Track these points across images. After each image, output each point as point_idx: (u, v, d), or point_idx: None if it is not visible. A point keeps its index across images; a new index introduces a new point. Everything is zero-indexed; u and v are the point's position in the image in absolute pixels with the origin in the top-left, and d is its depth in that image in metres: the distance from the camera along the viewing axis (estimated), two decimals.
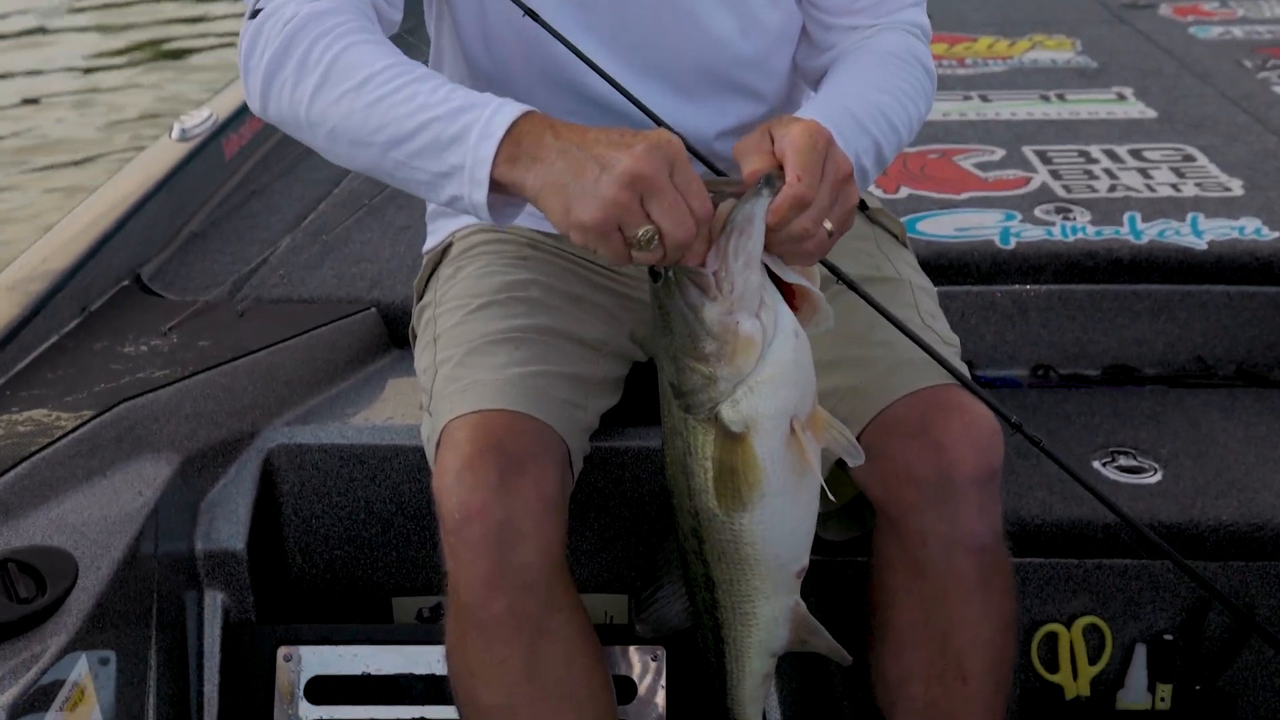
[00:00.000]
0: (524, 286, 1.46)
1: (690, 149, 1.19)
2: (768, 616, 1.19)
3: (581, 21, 1.36)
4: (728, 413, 1.07)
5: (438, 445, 1.32)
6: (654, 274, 1.08)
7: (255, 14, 1.23)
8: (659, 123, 1.23)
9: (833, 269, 1.20)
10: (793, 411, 1.07)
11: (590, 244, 1.05)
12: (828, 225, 1.08)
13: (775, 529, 1.12)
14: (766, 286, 1.06)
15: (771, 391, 1.06)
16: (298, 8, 1.21)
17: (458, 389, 1.35)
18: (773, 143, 1.09)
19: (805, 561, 1.17)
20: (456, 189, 1.12)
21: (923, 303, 1.46)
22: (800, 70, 1.53)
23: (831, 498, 1.15)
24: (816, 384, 1.11)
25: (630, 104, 1.28)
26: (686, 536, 1.18)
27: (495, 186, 1.11)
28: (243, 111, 2.60)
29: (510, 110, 1.10)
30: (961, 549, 1.28)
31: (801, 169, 1.05)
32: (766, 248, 1.06)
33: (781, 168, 1.06)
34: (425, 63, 1.28)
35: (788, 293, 1.09)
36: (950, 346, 1.42)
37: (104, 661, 1.42)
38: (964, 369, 1.34)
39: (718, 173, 1.24)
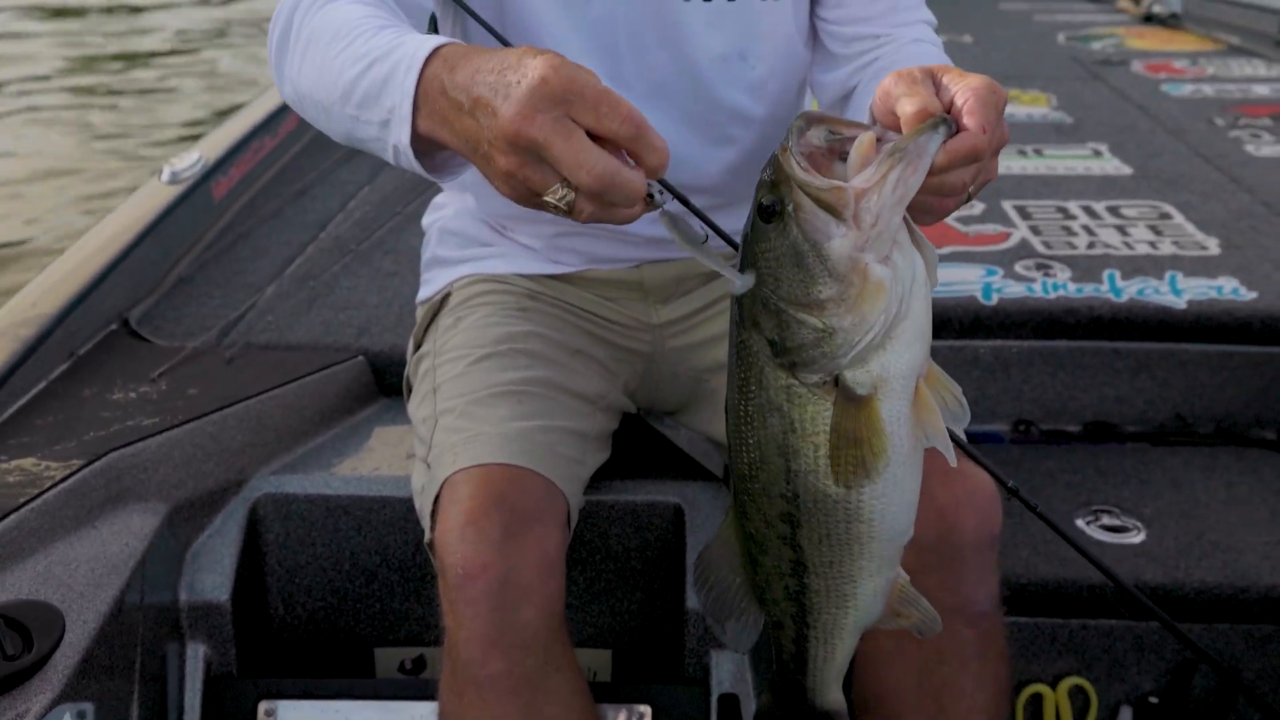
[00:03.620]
0: (525, 339, 1.46)
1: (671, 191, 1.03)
2: (867, 594, 1.06)
3: (589, 46, 1.35)
4: (853, 374, 0.93)
5: (437, 498, 1.31)
6: (766, 212, 0.93)
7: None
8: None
9: None
10: (921, 370, 0.95)
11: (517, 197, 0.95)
12: (970, 189, 1.00)
13: (895, 501, 0.99)
14: (903, 229, 0.92)
15: (905, 347, 0.93)
16: None
17: (460, 440, 1.34)
18: (936, 89, 0.98)
19: (913, 530, 1.05)
20: (394, 138, 1.02)
21: None
22: (817, 85, 1.51)
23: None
24: None
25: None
26: (772, 523, 1.02)
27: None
28: (232, 154, 2.61)
29: (428, 45, 1.00)
30: (961, 616, 1.28)
31: (986, 121, 0.95)
32: None
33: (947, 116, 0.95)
34: None
35: None
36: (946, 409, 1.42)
37: (81, 715, 1.40)
38: (961, 433, 1.34)
39: (696, 213, 1.09)
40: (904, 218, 0.92)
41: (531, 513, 1.26)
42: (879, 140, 0.92)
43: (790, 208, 0.91)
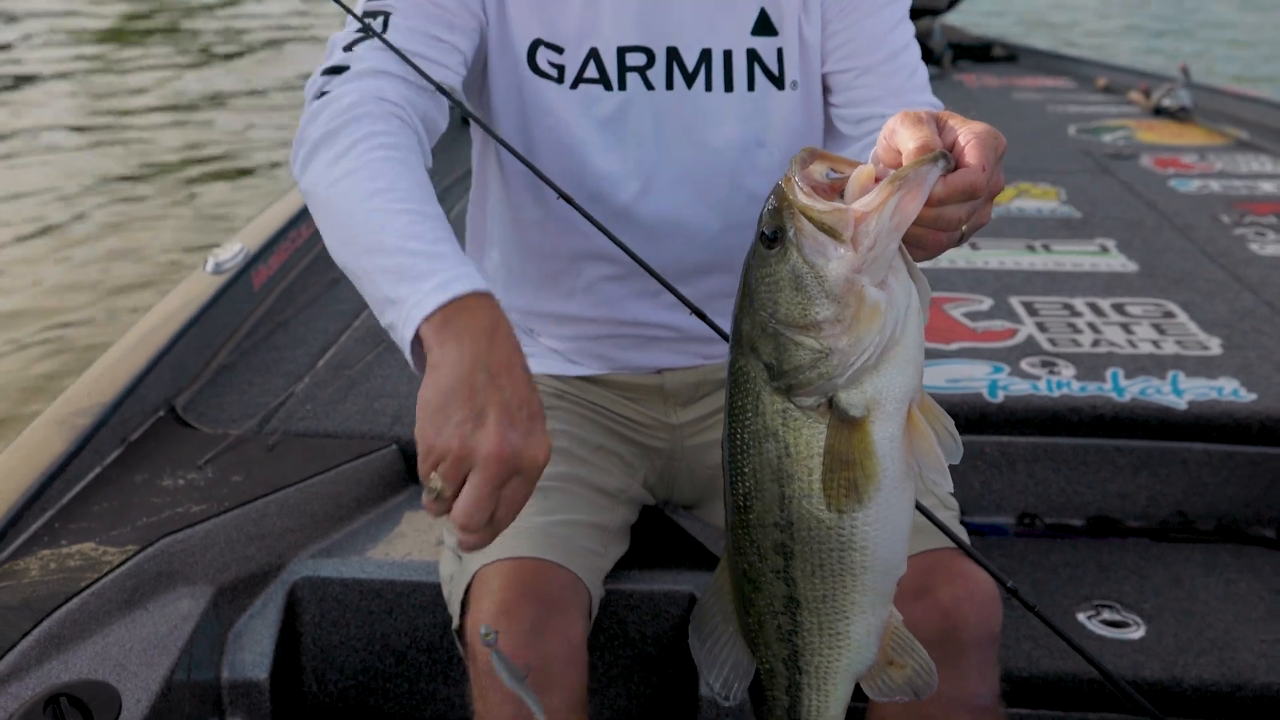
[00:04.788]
0: (551, 436, 1.54)
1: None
2: (861, 633, 1.06)
3: (611, 140, 1.47)
4: (847, 395, 0.96)
5: (468, 588, 1.39)
6: (769, 238, 0.97)
7: (322, 95, 1.33)
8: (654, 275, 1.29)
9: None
10: (913, 395, 0.98)
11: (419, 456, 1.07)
12: (964, 227, 1.04)
13: (887, 528, 1.00)
14: (899, 259, 0.97)
15: (899, 370, 0.95)
16: (355, 100, 1.29)
17: None
18: (940, 131, 1.04)
19: (905, 567, 1.05)
20: (394, 316, 1.14)
21: None
22: None
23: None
24: None
25: (653, 213, 1.43)
26: (765, 555, 1.04)
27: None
28: (271, 244, 2.73)
29: (470, 282, 1.12)
30: (964, 710, 1.34)
31: (986, 161, 1.01)
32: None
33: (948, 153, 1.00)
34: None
35: None
36: (949, 511, 1.50)
37: None
38: (964, 534, 1.42)
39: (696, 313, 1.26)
40: (900, 249, 0.96)
41: (557, 604, 1.34)
42: (877, 179, 0.96)
43: (791, 232, 0.95)
